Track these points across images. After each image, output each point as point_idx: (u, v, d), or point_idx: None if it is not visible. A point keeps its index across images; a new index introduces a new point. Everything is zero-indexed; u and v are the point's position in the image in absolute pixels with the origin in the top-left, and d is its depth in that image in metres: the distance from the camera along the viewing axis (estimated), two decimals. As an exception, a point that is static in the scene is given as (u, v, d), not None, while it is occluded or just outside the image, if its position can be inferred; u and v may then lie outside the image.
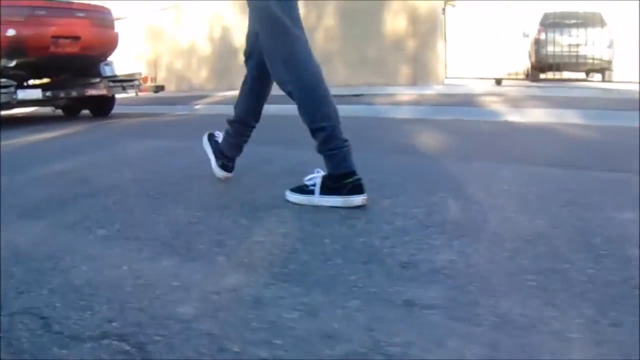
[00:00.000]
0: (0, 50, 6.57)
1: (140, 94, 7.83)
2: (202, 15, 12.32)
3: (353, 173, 2.09)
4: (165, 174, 3.00)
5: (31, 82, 7.80)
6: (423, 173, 2.84)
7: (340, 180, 2.08)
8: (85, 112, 8.49)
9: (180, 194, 2.51)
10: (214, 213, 2.14)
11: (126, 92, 7.62)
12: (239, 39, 3.18)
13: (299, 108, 2.17)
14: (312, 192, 2.13)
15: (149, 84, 7.86)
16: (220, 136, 2.67)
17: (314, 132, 2.13)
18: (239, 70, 2.71)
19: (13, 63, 6.71)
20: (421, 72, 9.95)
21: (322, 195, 2.11)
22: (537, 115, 5.77)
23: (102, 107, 8.16)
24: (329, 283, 1.41)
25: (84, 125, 6.80)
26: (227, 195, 2.47)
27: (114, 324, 1.23)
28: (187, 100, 9.15)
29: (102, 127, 6.54)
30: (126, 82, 7.62)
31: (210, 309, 1.29)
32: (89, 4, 7.56)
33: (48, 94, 6.85)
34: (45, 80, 8.10)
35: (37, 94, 6.76)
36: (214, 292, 1.39)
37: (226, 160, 2.64)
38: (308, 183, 2.16)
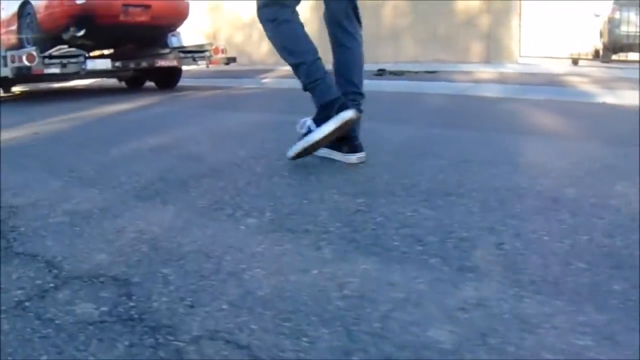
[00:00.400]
0: (69, 19, 6.35)
1: (210, 66, 7.52)
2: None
3: (339, 98, 2.19)
4: (278, 151, 2.65)
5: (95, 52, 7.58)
6: (590, 159, 2.41)
7: (329, 106, 2.16)
8: (149, 84, 8.26)
9: (314, 175, 2.16)
10: (379, 200, 1.78)
11: (196, 64, 7.33)
12: (302, 14, 2.89)
13: (279, 53, 2.35)
14: (309, 132, 2.20)
15: (219, 55, 7.53)
16: None
17: (295, 68, 2.27)
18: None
19: (82, 32, 6.48)
20: (494, 50, 9.42)
21: (319, 128, 2.17)
22: (632, 98, 5.27)
23: (169, 79, 7.90)
24: (590, 294, 1.05)
25: (155, 97, 6.54)
26: (378, 178, 2.09)
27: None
28: (251, 73, 8.81)
29: (176, 99, 6.26)
30: (197, 53, 7.33)
31: (472, 333, 0.94)
32: None
33: (117, 64, 6.62)
34: (108, 50, 7.88)
35: (106, 64, 6.53)
36: (458, 309, 1.04)
37: (349, 141, 2.50)
38: (302, 131, 2.24)
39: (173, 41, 8.02)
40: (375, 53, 10.46)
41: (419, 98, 5.63)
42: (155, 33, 7.32)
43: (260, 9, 2.32)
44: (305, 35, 2.28)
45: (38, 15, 6.50)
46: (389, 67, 9.34)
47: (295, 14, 2.31)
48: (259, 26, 2.39)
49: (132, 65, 6.84)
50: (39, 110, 5.67)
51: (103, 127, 4.14)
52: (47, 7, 6.36)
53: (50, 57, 6.08)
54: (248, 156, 2.56)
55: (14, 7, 7.06)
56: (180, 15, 7.23)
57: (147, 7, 6.74)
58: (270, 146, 2.80)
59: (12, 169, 2.58)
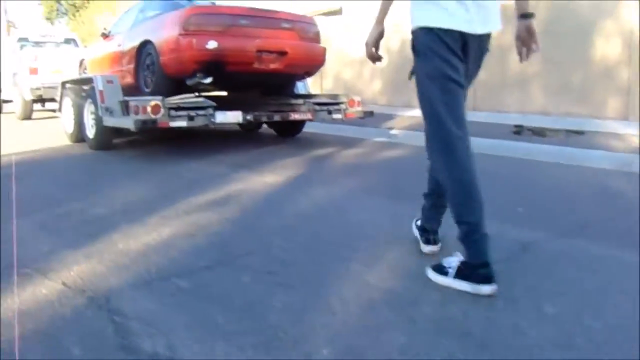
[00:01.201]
0: (198, 65, 5.50)
1: (345, 119, 6.53)
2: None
3: (488, 264, 2.09)
4: None
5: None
6: None
7: (475, 269, 2.10)
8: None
9: None
10: None
11: (331, 117, 6.36)
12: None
13: (448, 197, 2.21)
14: (446, 274, 2.17)
15: (355, 108, 6.52)
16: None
17: (458, 223, 2.16)
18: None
19: (209, 80, 5.63)
20: (634, 106, 8.08)
21: (455, 279, 2.14)
22: None
23: (292, 127, 7.02)
24: None
25: (288, 158, 5.58)
26: None
27: None
28: (372, 121, 7.65)
29: (316, 167, 5.27)
30: (332, 105, 6.35)
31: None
32: (295, 14, 6.36)
33: (249, 117, 5.70)
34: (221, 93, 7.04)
35: (237, 117, 5.62)
36: None
37: (428, 234, 2.59)
38: (445, 265, 2.19)
39: (299, 87, 7.13)
40: (500, 101, 9.34)
41: (581, 175, 4.69)
42: (286, 80, 6.44)
43: (429, 147, 2.27)
44: (476, 186, 2.14)
45: (161, 58, 5.69)
46: (515, 118, 8.21)
47: (468, 141, 2.17)
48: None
49: (264, 119, 5.93)
50: (161, 180, 4.78)
51: (276, 231, 3.14)
52: (172, 50, 5.52)
53: (178, 108, 5.23)
54: None
55: (133, 43, 6.30)
56: (316, 62, 6.30)
57: (283, 53, 5.83)
58: None
59: None
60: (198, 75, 5.57)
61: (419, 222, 2.68)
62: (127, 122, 5.21)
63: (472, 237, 2.13)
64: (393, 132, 7.39)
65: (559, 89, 8.74)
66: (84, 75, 8.03)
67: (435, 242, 2.57)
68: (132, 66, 6.32)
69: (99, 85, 5.81)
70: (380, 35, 2.41)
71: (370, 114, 6.62)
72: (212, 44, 5.38)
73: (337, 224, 3.25)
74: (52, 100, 10.31)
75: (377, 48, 2.43)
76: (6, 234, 3.07)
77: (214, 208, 3.60)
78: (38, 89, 10.24)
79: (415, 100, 2.36)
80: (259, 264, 2.56)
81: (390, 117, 8.88)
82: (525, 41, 2.31)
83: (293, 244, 2.83)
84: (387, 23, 2.52)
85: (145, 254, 2.71)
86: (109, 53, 7.11)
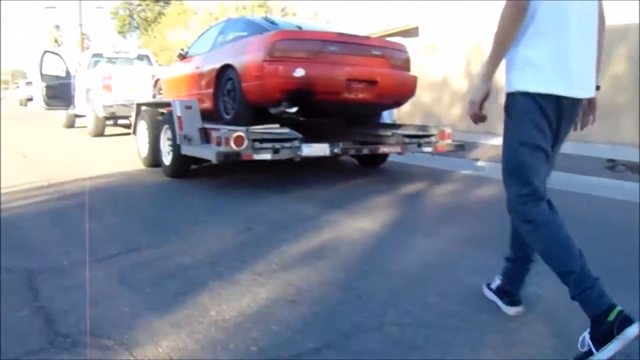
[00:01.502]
0: (283, 93, 5.13)
1: (435, 152, 6.02)
2: (460, 48, 10.47)
3: (614, 306, 1.91)
4: None
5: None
6: None
7: (604, 319, 1.89)
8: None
9: None
10: None
11: (421, 150, 5.87)
12: (502, 79, 2.07)
13: (542, 257, 2.14)
14: (591, 354, 1.90)
15: (446, 140, 6.01)
16: (495, 281, 2.56)
17: (563, 276, 2.04)
18: (499, 114, 2.22)
19: (294, 109, 5.25)
20: None
21: (601, 350, 1.88)
22: None
23: (376, 158, 6.58)
24: None
25: (379, 197, 5.13)
26: None
27: None
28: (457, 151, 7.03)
29: (417, 214, 4.80)
30: (422, 137, 5.87)
31: None
32: (385, 40, 5.96)
33: (336, 150, 5.28)
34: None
35: (323, 149, 5.21)
36: None
37: (511, 295, 2.46)
38: (584, 349, 1.94)
39: (385, 116, 6.69)
40: (587, 130, 8.46)
41: None
42: (374, 110, 6.01)
43: (513, 209, 2.19)
44: (568, 237, 2.06)
45: (243, 84, 5.35)
46: (604, 150, 7.52)
47: (551, 204, 2.13)
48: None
49: (352, 152, 5.50)
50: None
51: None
52: (256, 76, 5.17)
53: (262, 140, 4.86)
54: None
55: (213, 65, 6.01)
56: (406, 92, 5.84)
57: (374, 82, 5.40)
58: None
59: None
60: (283, 104, 5.20)
61: (493, 286, 2.58)
62: (208, 153, 4.88)
63: (583, 284, 1.99)
64: (479, 164, 6.86)
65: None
66: (160, 98, 7.84)
67: (520, 303, 2.48)
68: (210, 91, 6.02)
69: (177, 111, 5.53)
70: (488, 94, 2.17)
71: (461, 147, 6.09)
72: (299, 72, 5.00)
73: (451, 291, 2.79)
74: (125, 117, 10.27)
75: (482, 107, 2.20)
76: (76, 279, 2.72)
77: (311, 263, 3.18)
78: (111, 106, 10.16)
79: (496, 126, 2.42)
80: (375, 346, 2.17)
81: (473, 145, 8.32)
82: (585, 113, 2.30)
83: (408, 318, 2.43)
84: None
85: (242, 326, 2.34)
86: (186, 75, 6.87)
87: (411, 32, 20.06)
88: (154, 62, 12.66)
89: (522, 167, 2.12)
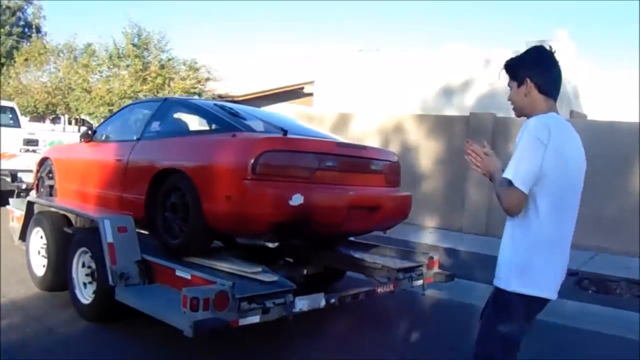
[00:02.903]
0: (270, 225, 3.66)
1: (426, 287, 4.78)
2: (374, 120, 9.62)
3: None
4: None
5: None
6: None
7: None
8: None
9: None
10: None
11: (411, 285, 4.62)
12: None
13: None
14: None
15: (435, 270, 4.81)
16: None
17: None
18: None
19: (275, 244, 3.82)
20: None
21: None
22: None
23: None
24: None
25: None
26: None
27: None
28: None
29: None
30: (413, 269, 4.63)
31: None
32: (379, 150, 4.72)
33: (333, 300, 3.83)
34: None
35: (318, 301, 3.73)
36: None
37: None
38: None
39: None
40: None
41: None
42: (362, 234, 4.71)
43: None
44: None
45: (205, 205, 3.75)
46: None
47: None
48: None
49: (349, 299, 4.04)
50: None
51: None
52: (229, 199, 3.62)
53: (250, 299, 3.32)
54: None
55: (148, 162, 4.40)
56: (404, 215, 4.60)
57: (376, 208, 4.13)
58: None
59: None
60: (265, 236, 3.71)
61: None
62: (176, 320, 3.21)
63: None
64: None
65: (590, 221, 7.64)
66: (48, 184, 5.83)
67: None
68: (141, 197, 4.31)
69: (108, 235, 3.83)
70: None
71: (451, 277, 4.91)
72: (297, 199, 3.57)
73: None
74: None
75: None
76: None
77: None
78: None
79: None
80: None
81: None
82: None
83: None
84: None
85: None
86: (96, 163, 5.07)
87: (299, 93, 19.41)
88: (19, 117, 10.24)
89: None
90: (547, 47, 2.34)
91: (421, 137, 9.92)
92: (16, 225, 6.01)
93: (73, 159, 5.56)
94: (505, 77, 2.39)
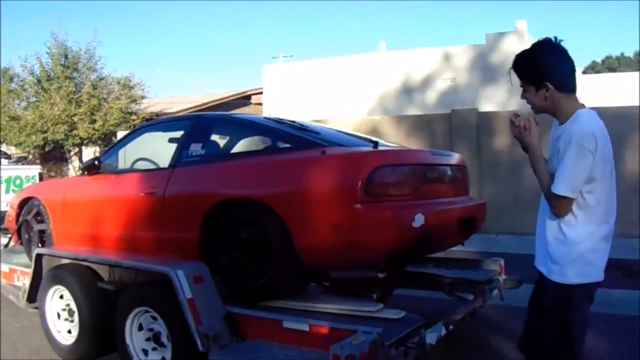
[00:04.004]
0: (388, 256, 3.07)
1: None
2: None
3: None
4: None
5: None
6: None
7: None
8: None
9: None
10: None
11: (491, 297, 4.13)
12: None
13: None
14: None
15: (503, 276, 4.33)
16: None
17: None
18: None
19: (383, 275, 3.23)
20: None
21: None
22: None
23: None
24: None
25: None
26: None
27: None
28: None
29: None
30: (494, 281, 4.13)
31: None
32: (455, 154, 4.17)
33: (451, 327, 3.25)
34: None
35: (439, 329, 3.14)
36: None
37: None
38: None
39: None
40: (517, 221, 7.82)
41: None
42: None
43: None
44: None
45: (299, 241, 3.07)
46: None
47: None
48: None
49: (451, 327, 3.42)
50: None
51: None
52: (336, 228, 2.99)
53: (395, 344, 2.71)
54: None
55: (199, 191, 3.66)
56: (483, 223, 4.09)
57: (472, 220, 3.65)
58: None
59: None
60: (378, 267, 3.10)
61: None
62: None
63: None
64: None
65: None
66: (107, 255, 4.74)
67: None
68: (194, 236, 3.53)
69: (185, 290, 3.06)
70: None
71: (520, 283, 4.45)
72: (419, 220, 3.01)
73: None
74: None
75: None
76: None
77: None
78: None
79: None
80: None
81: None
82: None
83: None
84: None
85: None
86: (116, 200, 4.21)
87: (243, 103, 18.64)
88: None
89: (573, 354, 2.26)
90: (552, 39, 2.24)
91: (401, 139, 9.54)
92: (3, 282, 4.96)
93: (76, 196, 4.60)
94: (516, 78, 2.31)
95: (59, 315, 4.04)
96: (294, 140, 3.48)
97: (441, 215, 3.24)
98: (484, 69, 12.04)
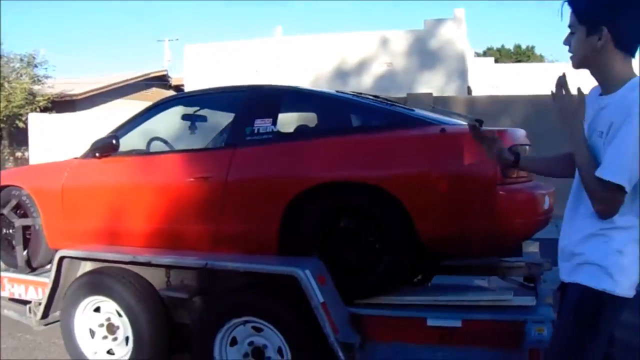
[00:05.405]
0: (519, 239, 2.89)
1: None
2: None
3: None
4: None
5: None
6: None
7: None
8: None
9: None
10: None
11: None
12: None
13: None
14: None
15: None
16: None
17: None
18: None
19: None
20: None
21: None
22: None
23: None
24: None
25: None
26: None
27: None
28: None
29: None
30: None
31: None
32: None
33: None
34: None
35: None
36: None
37: None
38: None
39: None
40: None
41: None
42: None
43: None
44: None
45: (422, 226, 2.74)
46: None
47: None
48: None
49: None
50: None
51: None
52: (476, 212, 2.75)
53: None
54: None
55: (285, 175, 3.17)
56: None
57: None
58: None
59: None
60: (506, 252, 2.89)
61: None
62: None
63: None
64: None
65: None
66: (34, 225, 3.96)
67: None
68: (272, 227, 3.04)
69: (317, 293, 2.62)
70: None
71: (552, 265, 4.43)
72: (547, 202, 2.85)
73: None
74: None
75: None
76: None
77: None
78: None
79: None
80: None
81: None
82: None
83: None
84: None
85: None
86: (147, 187, 3.52)
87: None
88: None
89: None
90: None
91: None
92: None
93: (85, 184, 3.77)
94: (566, 15, 1.74)
95: (92, 333, 3.30)
96: (400, 118, 3.09)
97: (550, 198, 3.05)
98: (421, 54, 12.15)
